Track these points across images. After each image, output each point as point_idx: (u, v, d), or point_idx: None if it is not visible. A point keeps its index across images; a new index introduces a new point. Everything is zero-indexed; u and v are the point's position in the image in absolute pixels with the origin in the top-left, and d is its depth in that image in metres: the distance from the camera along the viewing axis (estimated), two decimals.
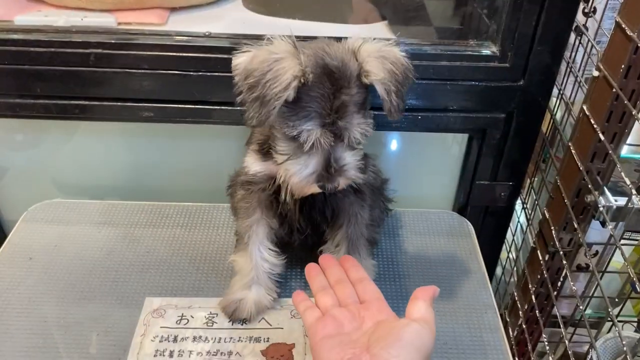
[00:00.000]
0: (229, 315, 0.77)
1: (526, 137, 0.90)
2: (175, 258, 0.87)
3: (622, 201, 0.77)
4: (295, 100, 0.59)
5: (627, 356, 0.69)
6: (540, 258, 0.92)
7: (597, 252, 0.98)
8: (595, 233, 0.94)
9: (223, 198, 0.84)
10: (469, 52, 0.83)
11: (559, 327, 0.86)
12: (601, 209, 0.77)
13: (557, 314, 0.89)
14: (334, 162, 0.63)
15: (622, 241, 0.86)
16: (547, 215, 0.90)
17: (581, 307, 0.83)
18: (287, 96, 0.58)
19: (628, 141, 0.81)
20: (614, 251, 0.95)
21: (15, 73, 0.83)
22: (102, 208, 0.96)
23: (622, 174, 0.72)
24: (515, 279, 1.12)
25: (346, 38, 0.65)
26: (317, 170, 0.63)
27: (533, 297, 0.94)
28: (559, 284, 0.91)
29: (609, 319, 0.74)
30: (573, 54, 0.94)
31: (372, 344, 0.56)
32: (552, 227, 0.87)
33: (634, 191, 0.71)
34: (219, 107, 0.86)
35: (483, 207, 1.00)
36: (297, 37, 0.62)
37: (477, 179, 0.96)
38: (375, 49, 0.62)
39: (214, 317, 0.77)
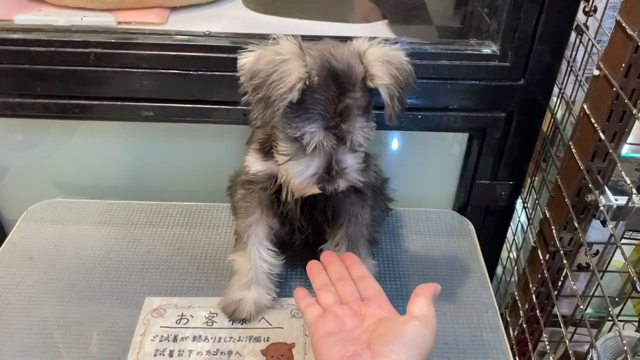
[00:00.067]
0: (228, 315, 0.77)
1: (527, 137, 0.90)
2: (175, 258, 0.87)
3: (622, 200, 0.77)
4: (300, 101, 0.59)
5: (628, 356, 0.69)
6: (541, 257, 0.91)
7: (597, 251, 0.98)
8: (596, 232, 0.94)
9: (223, 198, 0.84)
10: (470, 51, 0.83)
11: (560, 326, 0.86)
12: (602, 208, 0.77)
13: (558, 314, 0.89)
14: (335, 165, 0.63)
15: (623, 240, 0.86)
16: (547, 215, 0.90)
17: (582, 307, 0.83)
18: (292, 98, 0.58)
19: (628, 140, 0.81)
20: (615, 250, 0.95)
21: (15, 72, 0.83)
22: (102, 208, 0.96)
23: (623, 173, 0.72)
24: (516, 278, 1.12)
25: (351, 39, 0.65)
26: (319, 172, 0.63)
27: (534, 296, 0.94)
28: (560, 283, 0.91)
29: (610, 318, 0.74)
30: (574, 53, 0.94)
31: (373, 341, 0.56)
32: (553, 227, 0.87)
33: (634, 190, 0.71)
34: (218, 107, 0.86)
35: (483, 206, 1.00)
36: (301, 37, 0.62)
37: (477, 178, 0.96)
38: (381, 53, 0.62)
39: (213, 316, 0.77)
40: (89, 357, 0.72)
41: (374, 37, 0.65)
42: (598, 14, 0.88)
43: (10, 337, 0.74)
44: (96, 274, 0.84)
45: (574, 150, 0.82)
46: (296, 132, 0.61)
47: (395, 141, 0.99)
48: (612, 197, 0.77)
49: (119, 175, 1.01)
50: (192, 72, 0.82)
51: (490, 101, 0.86)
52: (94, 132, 0.96)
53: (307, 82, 0.58)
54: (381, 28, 0.95)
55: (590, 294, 0.95)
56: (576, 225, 0.83)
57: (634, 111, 0.70)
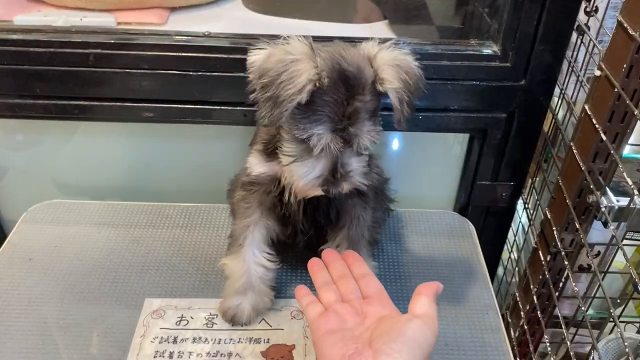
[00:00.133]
0: (228, 320, 0.76)
1: (528, 137, 0.90)
2: (175, 259, 0.87)
3: (624, 201, 0.76)
4: (308, 103, 0.58)
5: (629, 357, 0.69)
6: (542, 258, 0.91)
7: (599, 252, 0.98)
8: (597, 233, 0.93)
9: (223, 199, 0.84)
10: (470, 52, 0.83)
11: (561, 327, 0.86)
12: (603, 209, 0.77)
13: (559, 315, 0.89)
14: (341, 168, 0.63)
15: (624, 241, 0.86)
16: (548, 216, 0.90)
17: (583, 308, 0.83)
18: (301, 99, 0.57)
19: (630, 141, 0.81)
20: (616, 251, 0.94)
21: (14, 73, 0.83)
22: (102, 209, 0.96)
23: (624, 174, 0.71)
24: (517, 279, 1.11)
25: (361, 42, 0.65)
26: (324, 174, 0.63)
27: (535, 297, 0.94)
28: (561, 284, 0.91)
29: (611, 319, 0.73)
30: (575, 53, 0.94)
31: (374, 339, 0.56)
32: (554, 228, 0.87)
33: (636, 191, 0.70)
34: (218, 107, 0.86)
35: (484, 207, 1.00)
36: (314, 38, 0.61)
37: (478, 179, 0.96)
38: (391, 57, 0.62)
39: (213, 318, 0.77)
40: (88, 358, 0.72)
41: (384, 40, 0.64)
42: (599, 14, 0.88)
43: (10, 338, 0.74)
44: (96, 275, 0.83)
45: (575, 151, 0.81)
46: (303, 133, 0.61)
47: (395, 142, 0.99)
48: (613, 198, 0.77)
49: (119, 176, 1.01)
50: (191, 73, 0.82)
51: (491, 102, 0.86)
52: (93, 132, 0.96)
53: (317, 84, 0.58)
54: (382, 28, 0.95)
55: (592, 295, 0.95)
56: (577, 226, 0.83)
57: (636, 112, 0.70)
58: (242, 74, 0.82)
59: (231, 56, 0.81)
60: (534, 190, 1.07)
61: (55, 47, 0.81)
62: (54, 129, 0.95)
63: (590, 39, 0.87)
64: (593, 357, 0.82)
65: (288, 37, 0.61)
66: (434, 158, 1.00)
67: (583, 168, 0.79)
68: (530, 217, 1.07)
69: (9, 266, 0.84)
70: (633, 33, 0.68)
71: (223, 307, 0.77)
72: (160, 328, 0.75)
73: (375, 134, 0.62)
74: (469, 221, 0.98)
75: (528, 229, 1.08)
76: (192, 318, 0.77)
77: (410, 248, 0.92)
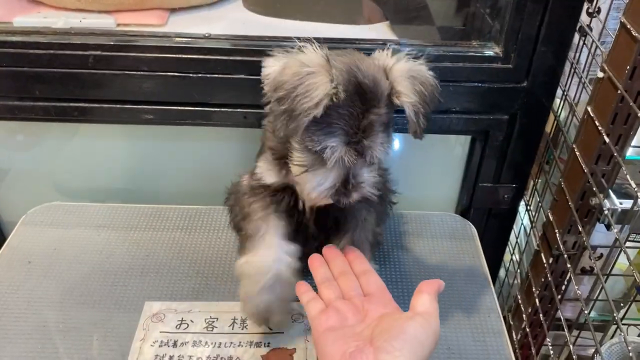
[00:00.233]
0: (260, 323, 0.73)
1: (530, 139, 0.89)
2: (175, 262, 0.86)
3: (627, 204, 0.76)
4: (323, 115, 0.57)
5: None
6: (544, 261, 0.91)
7: (601, 254, 0.97)
8: (600, 235, 0.93)
9: (223, 201, 0.84)
10: (472, 53, 0.83)
11: (563, 330, 0.85)
12: (606, 212, 0.76)
13: (561, 317, 0.88)
14: (352, 178, 0.62)
15: (627, 243, 0.85)
16: (551, 218, 0.89)
17: (586, 311, 0.82)
18: (317, 113, 0.56)
19: (633, 143, 0.80)
20: (619, 253, 0.94)
21: (14, 75, 0.82)
22: (101, 211, 0.95)
23: (628, 176, 0.71)
24: (519, 281, 1.11)
25: (375, 50, 0.64)
26: (336, 185, 0.62)
27: (537, 300, 0.93)
28: (563, 287, 0.90)
29: (615, 322, 0.73)
30: (577, 54, 0.93)
31: (375, 336, 0.55)
32: (556, 230, 0.87)
33: (639, 194, 0.70)
34: (219, 109, 0.86)
35: (486, 209, 0.99)
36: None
37: (480, 181, 0.95)
38: (406, 68, 0.61)
39: (214, 321, 0.77)
40: None
41: (399, 50, 0.64)
42: (602, 15, 0.87)
43: (9, 342, 0.74)
44: (96, 278, 0.83)
45: (577, 153, 0.81)
46: (316, 145, 0.60)
47: (397, 143, 0.98)
48: (616, 201, 0.77)
49: (119, 178, 1.01)
50: (192, 75, 0.82)
51: (493, 103, 0.85)
52: (93, 135, 0.95)
53: (334, 99, 0.57)
54: (383, 29, 0.94)
55: (594, 297, 0.94)
56: (580, 228, 0.82)
57: (639, 114, 0.69)
58: (242, 76, 0.82)
59: (231, 58, 0.81)
60: (536, 192, 1.06)
61: (55, 49, 0.81)
62: (54, 131, 0.95)
63: (593, 40, 0.87)
64: None
65: (303, 45, 0.60)
66: (435, 160, 1.00)
67: (585, 170, 0.79)
68: (532, 219, 1.07)
69: (8, 269, 0.84)
70: (636, 34, 0.67)
71: (251, 308, 0.71)
72: (160, 332, 0.75)
73: (388, 145, 0.62)
74: (470, 223, 0.97)
75: (530, 231, 1.08)
76: (192, 321, 0.76)
77: (411, 250, 0.91)
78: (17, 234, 0.90)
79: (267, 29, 0.91)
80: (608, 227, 0.78)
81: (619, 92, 0.71)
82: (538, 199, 1.04)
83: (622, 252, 0.73)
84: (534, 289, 0.94)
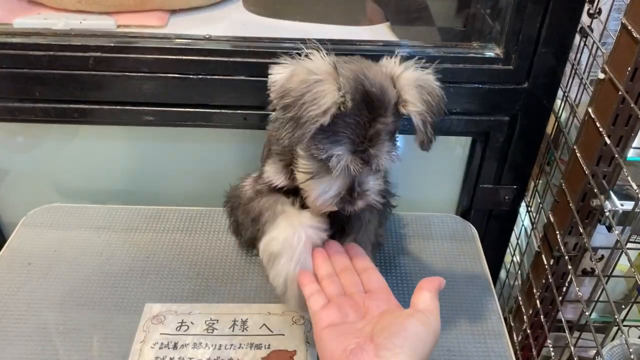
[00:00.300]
0: (303, 305, 0.66)
1: (530, 140, 0.89)
2: (175, 263, 0.86)
3: (628, 205, 0.76)
4: (329, 123, 0.57)
5: None
6: (545, 262, 0.91)
7: (602, 256, 0.97)
8: (601, 237, 0.93)
9: (223, 204, 0.83)
10: (472, 54, 0.82)
11: (564, 332, 0.85)
12: (607, 213, 0.76)
13: (562, 319, 0.88)
14: (358, 186, 0.62)
15: (628, 245, 0.85)
16: (552, 219, 0.89)
17: (587, 313, 0.82)
18: (324, 122, 0.56)
19: (634, 144, 0.80)
20: (620, 255, 0.93)
21: (14, 77, 0.82)
22: (101, 212, 0.95)
23: (629, 177, 0.71)
24: (520, 282, 1.11)
25: (382, 58, 0.64)
26: (341, 193, 0.62)
27: (538, 301, 0.93)
28: (564, 288, 0.90)
29: (616, 324, 0.73)
30: (578, 55, 0.93)
31: (376, 333, 0.55)
32: (557, 231, 0.86)
33: None
34: (219, 111, 0.85)
35: (487, 210, 0.99)
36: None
37: (480, 182, 0.95)
38: (414, 77, 0.61)
39: (214, 323, 0.76)
40: None
41: (406, 58, 0.63)
42: (603, 16, 0.87)
43: (9, 343, 0.74)
44: (96, 280, 0.83)
45: (578, 155, 0.81)
46: (322, 153, 0.59)
47: (397, 145, 0.98)
48: (617, 202, 0.77)
49: (119, 179, 1.01)
50: (192, 76, 0.82)
51: (494, 104, 0.85)
52: (93, 136, 0.95)
53: (342, 108, 0.56)
54: (383, 30, 0.94)
55: (595, 299, 0.94)
56: (581, 230, 0.82)
57: None
58: (242, 77, 0.82)
59: (232, 59, 0.81)
60: (536, 194, 1.06)
61: (55, 51, 0.80)
62: (54, 133, 0.95)
63: (594, 42, 0.87)
64: None
65: (310, 52, 0.60)
66: (436, 161, 1.00)
67: (587, 171, 0.78)
68: (533, 220, 1.07)
69: (8, 271, 0.84)
70: (637, 35, 0.67)
71: (292, 291, 0.67)
72: (161, 333, 0.75)
73: (394, 153, 0.62)
74: (471, 225, 0.97)
75: (531, 232, 1.08)
76: (193, 323, 0.76)
77: (412, 252, 0.91)
78: (17, 236, 0.90)
79: (267, 30, 0.91)
80: (609, 228, 0.78)
81: (620, 93, 0.71)
82: (539, 200, 1.04)
83: (623, 254, 0.73)
84: (534, 291, 0.94)
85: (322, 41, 0.63)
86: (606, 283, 0.82)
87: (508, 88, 0.83)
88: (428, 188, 1.03)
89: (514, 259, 1.17)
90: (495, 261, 1.05)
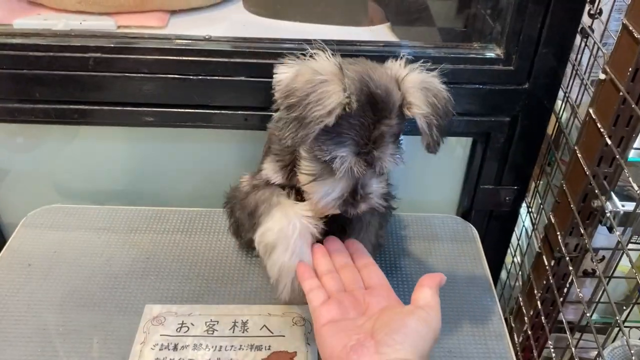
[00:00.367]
0: (299, 298, 0.67)
1: (531, 141, 0.89)
2: (175, 264, 0.86)
3: (629, 206, 0.76)
4: (333, 124, 0.57)
5: None
6: (546, 263, 0.90)
7: (603, 257, 0.97)
8: (602, 238, 0.93)
9: (223, 204, 0.83)
10: (473, 55, 0.82)
11: (565, 332, 0.85)
12: (608, 214, 0.76)
13: (563, 320, 0.88)
14: (361, 189, 0.62)
15: (630, 246, 0.85)
16: (552, 220, 0.89)
17: (588, 314, 0.82)
18: (328, 122, 0.56)
19: (635, 145, 0.80)
20: (621, 256, 0.93)
21: (13, 77, 0.82)
22: (101, 213, 0.95)
23: (630, 178, 0.71)
24: (520, 283, 1.11)
25: (387, 60, 0.64)
26: (344, 195, 0.62)
27: (539, 302, 0.93)
28: (565, 289, 0.90)
29: (617, 325, 0.73)
30: (579, 56, 0.93)
31: (376, 330, 0.55)
32: (558, 232, 0.86)
33: None
34: (219, 111, 0.85)
35: (487, 211, 0.99)
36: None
37: (481, 183, 0.95)
38: (419, 79, 0.61)
39: (214, 324, 0.76)
40: None
41: (411, 61, 0.63)
42: (604, 17, 0.87)
43: (9, 345, 0.73)
44: (96, 281, 0.83)
45: (579, 155, 0.81)
46: (326, 155, 0.59)
47: (401, 147, 0.98)
48: (618, 203, 0.76)
49: (119, 180, 1.00)
50: (192, 77, 0.82)
51: (495, 105, 0.85)
52: (93, 137, 0.95)
53: (347, 109, 0.56)
54: (384, 31, 0.94)
55: (596, 299, 0.94)
56: (582, 231, 0.82)
57: None
58: (243, 78, 0.82)
59: (232, 60, 0.81)
60: (537, 195, 1.06)
61: (55, 51, 0.80)
62: (54, 133, 0.95)
63: (595, 42, 0.87)
64: None
65: (315, 53, 0.59)
66: (436, 162, 0.99)
67: (588, 172, 0.78)
68: (533, 221, 1.06)
69: (8, 272, 0.84)
70: (638, 36, 0.67)
71: (286, 283, 0.68)
72: (161, 335, 0.75)
73: (398, 156, 0.61)
74: (471, 225, 0.97)
75: (531, 233, 1.07)
76: (193, 324, 0.76)
77: (412, 252, 0.91)
78: (17, 237, 0.90)
79: (267, 30, 0.91)
80: (610, 229, 0.78)
81: (621, 94, 0.71)
82: (540, 201, 1.04)
83: (624, 255, 0.73)
84: (535, 292, 0.94)
85: (323, 42, 0.63)
86: (607, 284, 0.82)
87: (509, 89, 0.83)
88: (429, 189, 1.02)
89: (515, 259, 1.17)
90: (496, 262, 1.05)
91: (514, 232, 1.07)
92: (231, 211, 0.81)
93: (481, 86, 0.83)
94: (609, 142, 0.74)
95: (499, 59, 0.81)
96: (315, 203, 0.63)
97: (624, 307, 0.99)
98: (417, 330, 0.54)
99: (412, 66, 0.62)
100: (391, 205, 0.87)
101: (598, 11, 0.87)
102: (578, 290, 0.84)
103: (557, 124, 0.98)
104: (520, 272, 1.13)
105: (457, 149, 0.97)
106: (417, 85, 0.60)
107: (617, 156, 0.74)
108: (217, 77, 0.82)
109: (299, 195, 0.70)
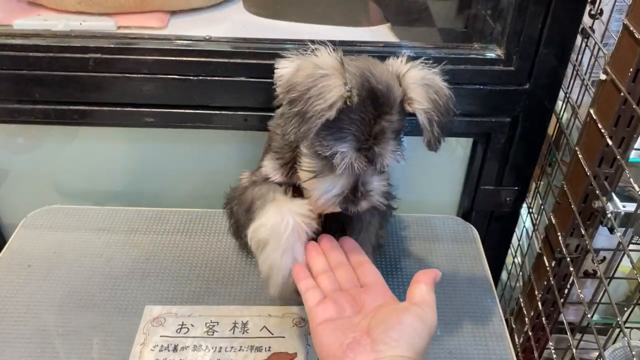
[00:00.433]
0: (290, 297, 0.67)
1: (532, 142, 0.89)
2: (175, 265, 0.86)
3: (630, 207, 0.75)
4: (334, 119, 0.57)
5: None
6: (547, 264, 0.90)
7: (604, 257, 0.97)
8: (603, 238, 0.92)
9: (222, 205, 0.83)
10: (474, 56, 0.82)
11: (566, 333, 0.85)
12: (609, 215, 0.76)
13: (564, 321, 0.88)
14: (362, 186, 0.61)
15: (631, 246, 0.85)
16: (553, 221, 0.89)
17: (588, 315, 0.82)
18: (330, 116, 0.56)
19: (636, 146, 0.80)
20: (622, 256, 0.93)
21: (13, 78, 0.82)
22: (101, 214, 0.95)
23: (631, 179, 0.71)
24: (521, 284, 1.10)
25: (389, 57, 0.63)
26: (344, 192, 0.62)
27: (539, 303, 0.93)
28: (566, 290, 0.90)
29: (618, 325, 0.73)
30: (579, 56, 0.93)
31: (372, 327, 0.55)
32: (559, 233, 0.86)
33: None
34: (219, 112, 0.85)
35: (488, 212, 0.99)
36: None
37: (481, 183, 0.95)
38: (420, 76, 0.61)
39: (214, 325, 0.76)
40: None
41: (413, 58, 0.63)
42: (604, 17, 0.87)
43: (9, 346, 0.73)
44: (95, 282, 0.82)
45: (580, 156, 0.80)
46: (326, 150, 0.59)
47: (402, 145, 0.98)
48: (619, 204, 0.76)
49: (119, 181, 1.00)
50: (192, 77, 0.81)
51: (495, 106, 0.85)
52: (93, 137, 0.95)
53: (348, 102, 0.56)
54: (384, 32, 0.94)
55: (597, 300, 0.94)
56: (583, 231, 0.82)
57: None
58: (243, 78, 0.82)
59: (232, 60, 0.80)
60: (538, 195, 1.06)
61: (55, 52, 0.80)
62: (54, 134, 0.95)
63: (596, 42, 0.87)
64: None
65: (317, 48, 0.60)
66: (437, 162, 0.99)
67: (588, 173, 0.78)
68: (534, 222, 1.06)
69: (8, 272, 0.84)
70: (639, 36, 0.67)
71: (277, 281, 0.66)
72: (161, 336, 0.74)
73: (399, 153, 0.61)
74: (472, 226, 0.97)
75: (532, 234, 1.07)
76: (193, 326, 0.76)
77: (413, 253, 0.91)
78: (17, 237, 0.90)
79: (267, 31, 0.91)
80: (611, 230, 0.78)
81: (621, 94, 0.71)
82: (540, 202, 1.03)
83: (625, 255, 0.73)
84: (536, 292, 0.94)
85: (324, 43, 0.63)
86: (608, 285, 0.82)
87: (509, 89, 0.83)
88: (429, 189, 1.02)
89: (516, 260, 1.17)
90: (496, 263, 1.05)
91: (515, 233, 1.07)
92: (231, 212, 0.81)
93: (482, 87, 0.83)
94: (610, 142, 0.74)
95: (500, 59, 0.81)
96: (315, 200, 0.63)
97: (625, 308, 0.99)
98: (412, 327, 0.54)
99: (414, 63, 0.62)
100: (391, 205, 0.87)
101: (599, 11, 0.87)
102: (579, 291, 0.84)
103: (558, 124, 0.98)
104: (520, 273, 1.13)
105: (458, 149, 0.97)
106: (419, 82, 0.60)
107: (618, 157, 0.74)
108: (217, 78, 0.81)
109: (297, 193, 0.70)
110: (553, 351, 0.90)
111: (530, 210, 1.09)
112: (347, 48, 0.81)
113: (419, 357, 0.54)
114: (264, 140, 0.77)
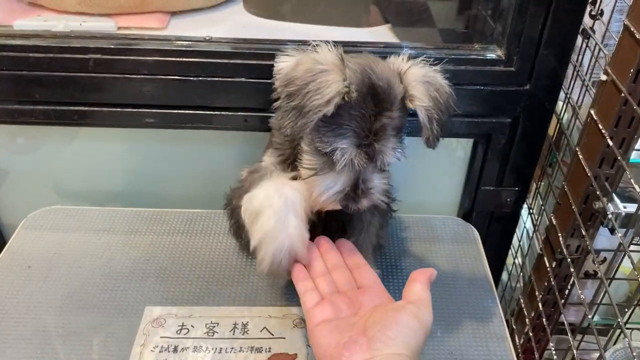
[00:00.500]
0: (283, 273, 0.65)
1: (532, 142, 0.89)
2: (175, 266, 0.86)
3: (631, 208, 0.75)
4: (334, 115, 0.57)
5: None
6: (547, 265, 0.90)
7: (605, 258, 0.97)
8: (604, 239, 0.92)
9: (223, 206, 0.83)
10: (474, 56, 0.82)
11: (567, 334, 0.85)
12: (610, 215, 0.76)
13: (565, 322, 0.88)
14: (362, 184, 0.61)
15: (631, 247, 0.85)
16: (554, 222, 0.89)
17: (589, 316, 0.82)
18: (327, 111, 0.56)
19: (637, 146, 0.80)
20: (623, 257, 0.93)
21: (13, 79, 0.82)
22: (101, 215, 0.95)
23: (632, 180, 0.71)
24: (522, 285, 1.10)
25: (390, 55, 0.64)
26: (345, 189, 0.62)
27: (540, 304, 0.93)
28: (567, 291, 0.90)
29: (618, 326, 0.72)
30: (580, 57, 0.93)
31: (369, 327, 0.56)
32: (560, 234, 0.86)
33: None
34: (219, 113, 0.85)
35: (488, 212, 0.99)
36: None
37: (482, 184, 0.95)
38: (421, 73, 0.61)
39: (214, 326, 0.76)
40: None
41: (414, 56, 0.64)
42: (605, 18, 0.87)
43: (9, 346, 0.73)
44: (95, 283, 0.82)
45: (581, 157, 0.80)
46: (326, 146, 0.59)
47: (403, 142, 0.98)
48: (620, 205, 0.76)
49: (119, 182, 1.00)
50: (192, 78, 0.81)
51: (496, 106, 0.85)
52: (94, 138, 0.95)
53: (346, 98, 0.56)
54: (384, 32, 0.94)
55: (598, 301, 0.94)
56: (583, 232, 0.82)
57: None
58: (243, 79, 0.82)
59: (232, 61, 0.80)
60: (538, 196, 1.06)
61: (55, 52, 0.80)
62: (54, 135, 0.95)
63: (596, 43, 0.86)
64: None
65: (317, 45, 0.60)
66: (437, 163, 0.99)
67: (589, 174, 0.78)
68: (535, 222, 1.06)
69: (8, 273, 0.83)
70: None
71: (270, 255, 0.63)
72: (161, 337, 0.74)
73: (400, 150, 0.61)
74: (472, 227, 0.96)
75: (533, 234, 1.07)
76: (193, 326, 0.76)
77: (413, 254, 0.91)
78: (17, 238, 0.90)
79: (268, 31, 0.91)
80: (612, 231, 0.78)
81: (622, 95, 0.71)
82: (541, 203, 1.03)
83: (626, 256, 0.73)
84: (537, 293, 0.94)
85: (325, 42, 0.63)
86: (609, 285, 0.82)
87: (510, 90, 0.83)
88: (429, 190, 1.02)
89: (516, 261, 1.17)
90: (497, 263, 1.05)
91: (515, 234, 1.07)
92: (231, 212, 0.81)
93: (482, 87, 0.83)
94: (611, 143, 0.74)
95: (500, 60, 0.81)
96: (316, 197, 0.63)
97: (626, 309, 0.99)
98: (408, 325, 0.55)
99: (415, 61, 0.63)
100: (391, 205, 0.87)
101: (599, 12, 0.86)
102: (579, 291, 0.84)
103: (559, 125, 0.98)
104: (521, 274, 1.13)
105: (458, 150, 0.97)
106: (419, 79, 0.60)
107: (619, 157, 0.74)
108: (217, 79, 0.81)
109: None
110: (554, 352, 0.89)
111: (531, 210, 1.09)
112: (347, 49, 0.81)
113: (415, 355, 0.54)
114: (264, 141, 0.77)
